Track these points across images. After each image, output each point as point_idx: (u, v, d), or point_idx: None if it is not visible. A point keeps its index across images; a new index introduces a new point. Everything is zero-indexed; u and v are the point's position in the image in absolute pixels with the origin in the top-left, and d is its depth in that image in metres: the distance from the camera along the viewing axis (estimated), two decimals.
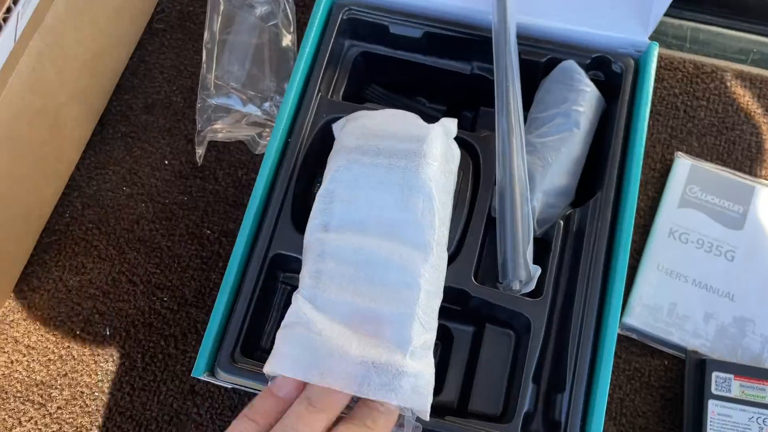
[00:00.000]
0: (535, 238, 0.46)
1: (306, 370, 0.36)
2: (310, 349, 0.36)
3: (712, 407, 0.48)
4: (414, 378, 0.36)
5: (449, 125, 0.44)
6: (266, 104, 0.59)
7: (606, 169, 0.45)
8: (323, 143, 0.49)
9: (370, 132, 0.43)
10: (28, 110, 0.51)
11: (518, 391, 0.41)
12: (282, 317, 0.39)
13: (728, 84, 0.59)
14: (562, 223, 0.46)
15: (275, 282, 0.48)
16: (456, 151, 0.44)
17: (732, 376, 0.48)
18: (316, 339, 0.36)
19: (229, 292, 0.43)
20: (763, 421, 0.47)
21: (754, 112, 0.58)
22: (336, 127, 0.47)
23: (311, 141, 0.48)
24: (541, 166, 0.45)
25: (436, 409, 0.41)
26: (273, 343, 0.40)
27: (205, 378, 0.42)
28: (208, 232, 0.58)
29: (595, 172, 0.46)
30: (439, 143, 0.42)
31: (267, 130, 0.59)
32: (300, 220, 0.46)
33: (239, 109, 0.58)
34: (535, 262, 0.44)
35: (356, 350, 0.36)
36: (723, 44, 0.62)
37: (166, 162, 0.60)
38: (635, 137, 0.45)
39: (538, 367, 0.42)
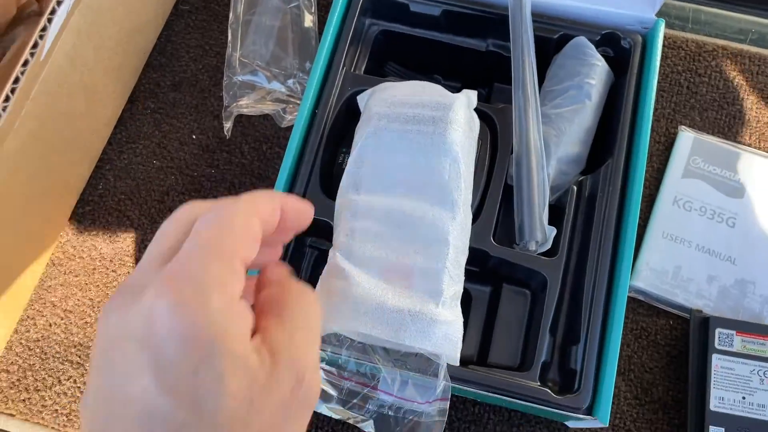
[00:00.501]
0: (549, 204, 0.49)
1: (345, 320, 0.39)
2: (349, 300, 0.39)
3: (716, 361, 0.51)
4: (446, 326, 0.39)
5: (471, 96, 0.47)
6: (290, 81, 0.61)
7: (616, 137, 0.48)
8: (348, 114, 0.52)
9: (398, 101, 0.46)
10: (68, 83, 0.54)
11: (536, 343, 0.44)
12: (310, 280, 0.41)
13: (728, 62, 0.62)
14: (575, 188, 0.49)
15: (303, 246, 0.51)
16: (477, 121, 0.47)
17: (734, 332, 0.51)
18: (354, 290, 0.39)
19: None
20: (764, 374, 0.50)
21: (753, 88, 0.61)
22: (361, 98, 0.50)
23: (337, 112, 0.51)
24: (555, 135, 0.48)
25: (459, 361, 0.44)
26: None
27: None
28: None
29: (605, 142, 0.49)
30: (462, 111, 0.45)
31: (291, 105, 0.62)
32: (327, 187, 0.49)
33: (264, 86, 0.61)
34: (550, 225, 0.47)
35: (392, 301, 0.39)
36: (723, 24, 0.65)
37: (194, 137, 0.63)
38: (644, 107, 0.48)
39: (554, 321, 0.45)
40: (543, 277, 0.46)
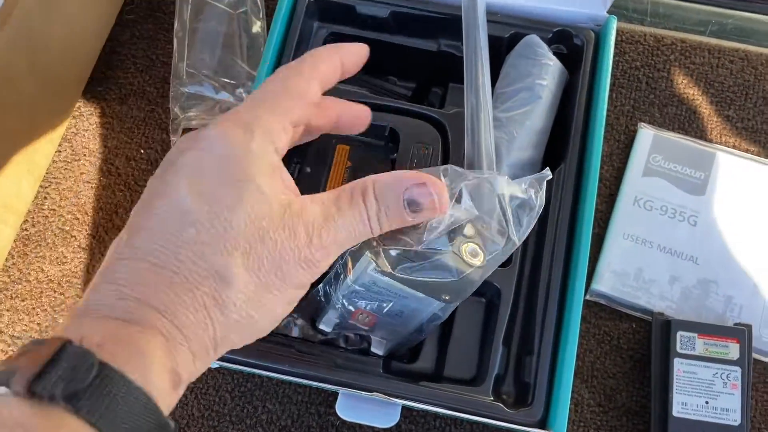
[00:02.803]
0: None
1: None
2: None
3: (678, 365, 0.50)
4: None
5: None
6: (239, 90, 0.60)
7: (569, 139, 0.46)
8: None
9: None
10: (2, 103, 0.51)
11: (489, 355, 0.42)
12: None
13: (688, 55, 0.61)
14: None
15: None
16: None
17: (696, 335, 0.50)
18: None
19: None
20: (727, 377, 0.49)
21: (713, 81, 0.60)
22: None
23: None
24: (506, 140, 0.47)
25: (412, 376, 0.43)
26: None
27: None
28: None
29: (559, 144, 0.48)
30: None
31: None
32: None
33: (212, 97, 0.59)
34: None
35: None
36: (682, 17, 0.64)
37: (142, 151, 0.61)
38: (597, 107, 0.47)
39: (508, 331, 0.43)
40: (497, 288, 0.44)
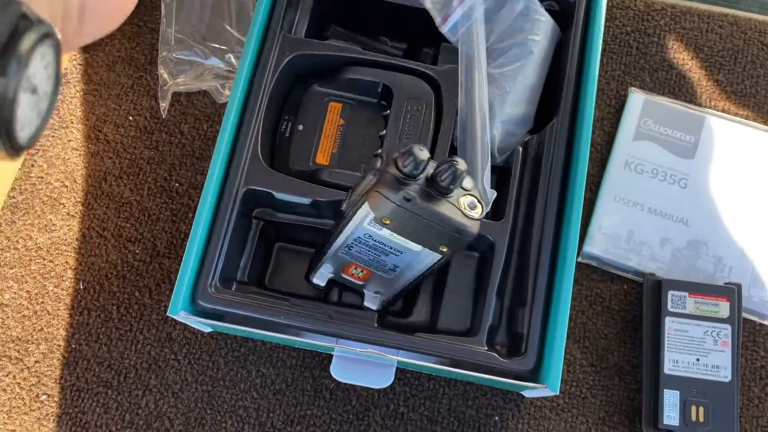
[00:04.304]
0: (497, 166, 0.48)
1: None
2: None
3: (669, 324, 0.50)
4: None
5: None
6: (228, 56, 0.59)
7: (561, 94, 0.46)
8: (289, 81, 0.50)
9: None
10: None
11: (483, 306, 0.42)
12: (256, 252, 0.39)
13: (678, 20, 0.61)
14: (521, 149, 0.48)
15: (248, 218, 0.48)
16: None
17: (686, 293, 0.51)
18: None
19: (203, 228, 0.44)
20: (717, 334, 0.50)
21: (703, 46, 0.60)
22: None
23: (276, 79, 0.48)
24: (499, 95, 0.47)
25: (407, 329, 0.43)
26: (249, 277, 0.40)
27: (181, 318, 0.43)
28: (177, 185, 0.58)
29: (552, 99, 0.48)
30: None
31: (230, 81, 0.59)
32: (270, 157, 0.47)
33: (201, 62, 0.59)
34: (498, 188, 0.46)
35: None
36: None
37: (131, 118, 0.60)
38: (590, 61, 0.47)
39: (502, 283, 0.43)
40: (490, 241, 0.45)
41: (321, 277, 0.42)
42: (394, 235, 0.36)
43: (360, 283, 0.42)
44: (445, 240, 0.36)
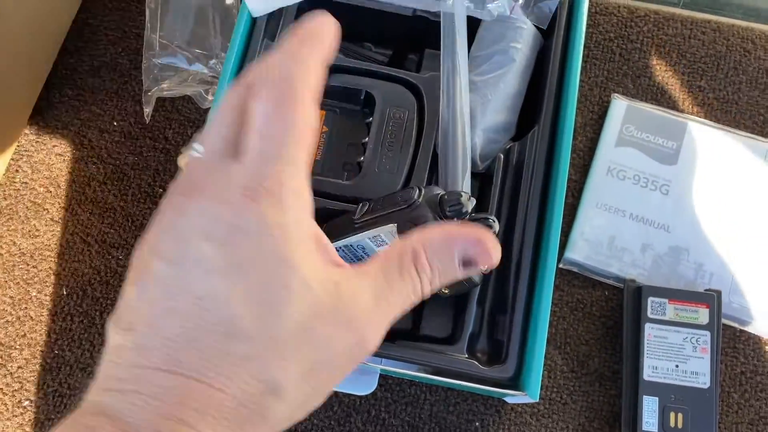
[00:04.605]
0: (479, 173, 0.48)
1: None
2: None
3: (649, 330, 0.50)
4: None
5: None
6: (212, 62, 0.59)
7: (543, 101, 0.46)
8: None
9: None
10: None
11: (464, 314, 0.43)
12: None
13: (660, 27, 0.61)
14: (502, 156, 0.48)
15: None
16: None
17: (666, 300, 0.51)
18: None
19: None
20: (697, 341, 0.50)
21: (686, 52, 0.60)
22: None
23: None
24: (481, 103, 0.47)
25: (388, 335, 0.43)
26: None
27: None
28: (161, 190, 0.58)
29: (533, 107, 0.48)
30: None
31: (214, 86, 0.59)
32: None
33: (186, 68, 0.59)
34: (478, 196, 0.46)
35: None
36: None
37: (115, 123, 0.60)
38: (570, 69, 0.47)
39: (482, 291, 0.44)
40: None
41: None
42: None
43: None
44: None
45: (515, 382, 0.42)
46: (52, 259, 0.56)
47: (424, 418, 0.51)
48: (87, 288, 0.55)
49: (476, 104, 0.46)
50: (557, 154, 0.45)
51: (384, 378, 0.52)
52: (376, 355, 0.42)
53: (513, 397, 0.46)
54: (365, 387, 0.47)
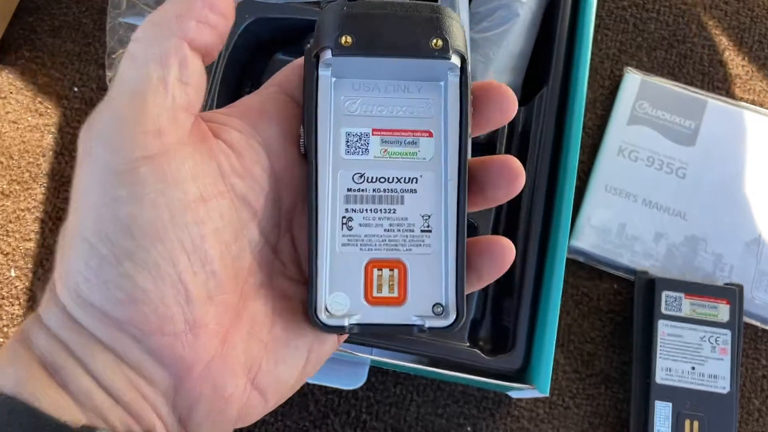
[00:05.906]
0: (480, 143, 0.43)
1: None
2: None
3: (662, 327, 0.45)
4: None
5: None
6: None
7: (552, 61, 0.41)
8: (248, 46, 0.46)
9: None
10: None
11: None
12: None
13: None
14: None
15: None
16: None
17: (683, 294, 0.46)
18: None
19: None
20: (716, 340, 0.45)
21: (706, 23, 0.55)
22: None
23: (234, 44, 0.45)
24: (482, 62, 0.42)
25: None
26: None
27: None
28: None
29: (540, 68, 0.43)
30: None
31: None
32: None
33: None
34: None
35: None
36: None
37: (76, 89, 0.55)
38: (583, 25, 0.42)
39: None
40: (472, 224, 0.40)
41: (337, 307, 0.23)
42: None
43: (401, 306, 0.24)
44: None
45: (523, 374, 0.37)
46: (1, 237, 0.51)
47: (410, 420, 0.46)
48: (38, 269, 0.50)
49: (477, 64, 0.41)
50: (569, 120, 0.40)
51: (370, 376, 0.46)
52: (366, 344, 0.37)
53: (519, 392, 0.41)
54: (353, 381, 0.42)
